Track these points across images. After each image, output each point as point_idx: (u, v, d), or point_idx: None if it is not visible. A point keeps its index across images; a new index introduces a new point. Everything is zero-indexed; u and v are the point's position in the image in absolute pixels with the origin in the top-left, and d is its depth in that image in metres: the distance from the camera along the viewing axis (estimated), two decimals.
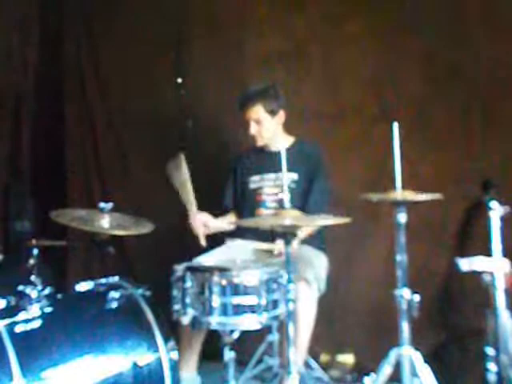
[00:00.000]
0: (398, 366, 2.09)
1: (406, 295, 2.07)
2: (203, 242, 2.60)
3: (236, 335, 2.00)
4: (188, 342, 2.56)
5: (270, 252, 2.54)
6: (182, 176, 2.53)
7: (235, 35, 3.25)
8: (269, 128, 2.69)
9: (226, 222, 2.80)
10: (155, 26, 3.44)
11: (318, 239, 2.69)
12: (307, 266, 2.46)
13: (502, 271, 2.25)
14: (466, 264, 2.35)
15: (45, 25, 3.71)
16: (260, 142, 2.73)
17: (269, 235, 2.63)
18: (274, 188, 2.72)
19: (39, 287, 1.92)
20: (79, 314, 2.01)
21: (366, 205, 2.74)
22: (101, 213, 2.22)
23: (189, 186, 2.55)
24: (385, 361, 2.10)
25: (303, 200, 2.66)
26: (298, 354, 2.27)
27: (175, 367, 2.01)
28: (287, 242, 1.91)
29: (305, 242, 2.62)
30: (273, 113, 2.68)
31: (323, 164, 2.72)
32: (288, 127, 2.77)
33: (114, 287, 2.08)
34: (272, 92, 2.68)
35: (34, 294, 1.89)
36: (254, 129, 2.68)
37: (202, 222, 2.62)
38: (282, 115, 2.71)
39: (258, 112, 2.65)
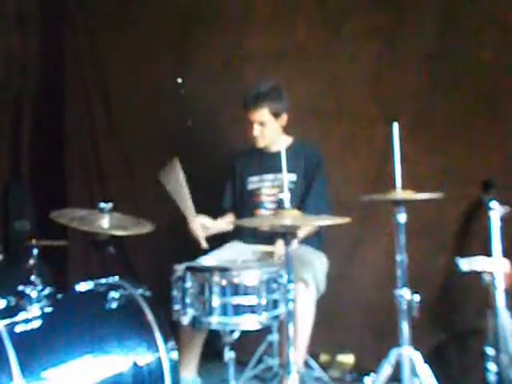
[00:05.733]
0: (398, 366, 2.09)
1: (405, 295, 2.07)
2: (204, 244, 2.60)
3: (236, 335, 2.00)
4: (188, 344, 2.55)
5: (270, 254, 2.53)
6: (179, 182, 2.49)
7: (235, 35, 3.25)
8: (271, 130, 2.68)
9: (225, 222, 2.80)
10: (156, 25, 3.45)
11: (317, 240, 2.70)
12: (306, 267, 2.46)
13: (502, 271, 2.25)
14: (465, 264, 2.35)
15: (45, 24, 3.72)
16: (261, 144, 2.73)
17: (268, 237, 2.64)
18: (273, 189, 2.72)
19: (39, 287, 1.92)
20: (79, 314, 2.01)
21: (365, 205, 2.75)
22: (101, 213, 2.22)
23: (186, 192, 2.51)
24: (385, 361, 2.10)
25: (301, 201, 2.66)
26: (297, 354, 2.27)
27: (175, 367, 2.00)
28: (287, 243, 1.91)
29: (304, 242, 2.62)
30: (276, 115, 2.66)
31: (322, 166, 2.71)
32: (287, 127, 2.77)
33: (114, 287, 2.08)
34: (277, 94, 2.65)
35: (34, 294, 1.89)
36: (257, 131, 2.67)
37: (201, 225, 2.62)
38: (284, 117, 2.70)
39: (263, 115, 2.63)
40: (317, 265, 2.55)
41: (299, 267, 2.38)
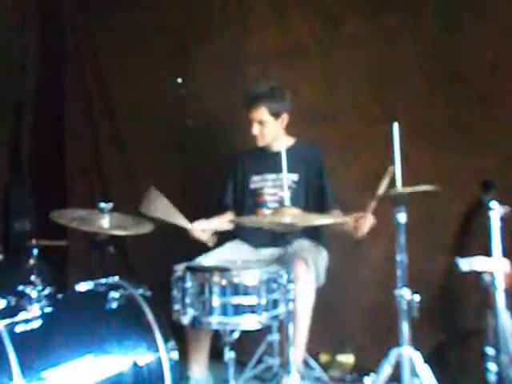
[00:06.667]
0: (398, 366, 2.09)
1: (406, 295, 2.07)
2: (211, 243, 2.63)
3: (236, 335, 2.00)
4: (196, 342, 2.56)
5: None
6: (163, 205, 2.52)
7: (235, 35, 3.25)
8: (271, 130, 2.69)
9: (225, 221, 2.79)
10: (155, 25, 3.45)
11: (318, 235, 2.71)
12: (306, 251, 2.51)
13: (502, 271, 2.25)
14: (465, 264, 2.35)
15: (44, 24, 3.72)
16: (261, 143, 2.73)
17: (271, 238, 2.65)
18: (275, 188, 2.73)
19: (39, 287, 1.92)
20: (79, 314, 2.01)
21: (365, 205, 2.74)
22: (101, 213, 2.22)
23: (173, 210, 2.54)
24: (385, 361, 2.10)
25: (304, 200, 2.68)
26: (296, 349, 2.27)
27: (175, 367, 2.01)
28: (288, 243, 1.92)
29: (306, 237, 2.65)
30: (276, 115, 2.66)
31: (324, 166, 2.74)
32: (287, 127, 2.77)
33: (114, 287, 2.08)
34: (278, 94, 2.66)
35: (34, 294, 1.89)
36: (256, 129, 2.68)
37: (201, 229, 2.64)
38: (285, 118, 2.70)
39: (261, 113, 2.64)
40: (317, 254, 2.61)
41: (300, 251, 2.43)
